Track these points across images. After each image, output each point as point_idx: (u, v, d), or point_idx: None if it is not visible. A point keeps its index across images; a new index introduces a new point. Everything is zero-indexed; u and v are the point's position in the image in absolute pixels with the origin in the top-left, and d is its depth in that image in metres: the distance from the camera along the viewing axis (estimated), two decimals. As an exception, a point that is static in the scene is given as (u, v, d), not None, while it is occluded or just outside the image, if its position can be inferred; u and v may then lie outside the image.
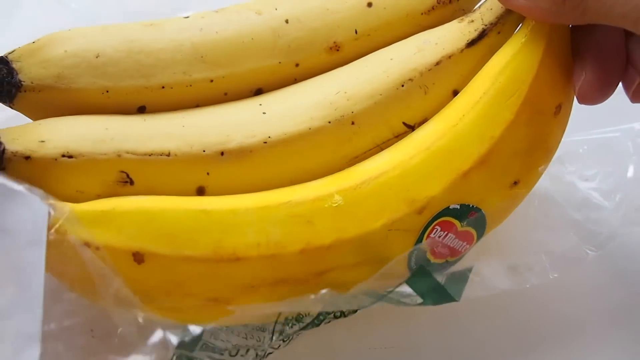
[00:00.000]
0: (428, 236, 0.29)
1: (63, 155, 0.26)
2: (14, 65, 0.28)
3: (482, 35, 0.30)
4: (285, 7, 0.32)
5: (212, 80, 0.30)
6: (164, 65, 0.30)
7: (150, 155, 0.28)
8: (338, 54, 0.32)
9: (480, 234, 0.30)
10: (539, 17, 0.28)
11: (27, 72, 0.28)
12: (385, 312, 0.32)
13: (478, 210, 0.29)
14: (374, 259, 0.29)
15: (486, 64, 0.30)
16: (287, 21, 0.31)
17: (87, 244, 0.25)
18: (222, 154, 0.29)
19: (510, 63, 0.29)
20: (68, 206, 0.25)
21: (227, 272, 0.26)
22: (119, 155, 0.27)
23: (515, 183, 0.30)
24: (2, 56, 0.28)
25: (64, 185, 0.26)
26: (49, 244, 0.24)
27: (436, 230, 0.29)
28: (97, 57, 0.29)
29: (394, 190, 0.29)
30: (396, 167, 0.29)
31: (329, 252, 0.28)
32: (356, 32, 0.32)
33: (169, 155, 0.28)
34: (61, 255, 0.24)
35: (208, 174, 0.29)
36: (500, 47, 0.30)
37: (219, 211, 0.27)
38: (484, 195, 0.29)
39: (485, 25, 0.30)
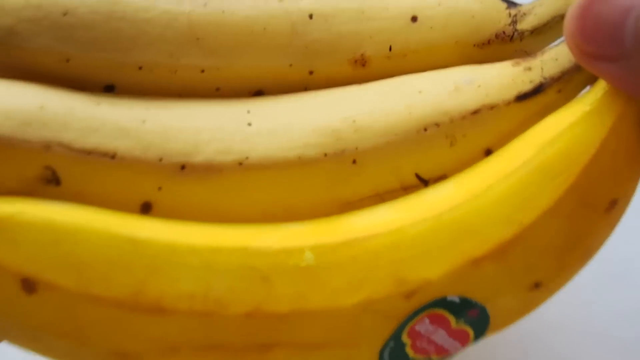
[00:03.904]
0: (412, 327, 0.23)
1: None
2: None
3: (537, 89, 0.24)
4: None
5: (203, 71, 0.25)
6: (148, 40, 0.24)
7: (88, 154, 0.22)
8: (363, 70, 0.26)
9: (478, 335, 0.24)
10: (631, 90, 0.21)
11: None
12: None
13: (482, 308, 0.23)
14: (338, 343, 0.23)
15: (534, 126, 0.24)
16: (311, 16, 0.25)
17: None
18: (182, 167, 0.23)
19: (565, 133, 0.22)
20: None
21: (144, 324, 0.21)
22: (48, 147, 0.21)
23: (537, 285, 0.23)
24: None
25: (-35, 170, 0.21)
26: None
27: (424, 323, 0.23)
28: (64, 15, 0.23)
29: (382, 261, 0.22)
30: (392, 232, 0.23)
31: (282, 323, 0.22)
32: (390, 48, 0.26)
33: (113, 157, 0.22)
34: None
35: (160, 188, 0.23)
36: (556, 109, 0.24)
37: (153, 243, 0.21)
38: (493, 292, 0.23)
39: (544, 79, 0.24)
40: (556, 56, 0.24)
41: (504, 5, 0.26)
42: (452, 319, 0.23)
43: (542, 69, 0.24)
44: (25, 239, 0.19)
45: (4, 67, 0.23)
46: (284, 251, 0.22)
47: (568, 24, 0.21)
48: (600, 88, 0.23)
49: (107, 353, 0.21)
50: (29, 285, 0.19)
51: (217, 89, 0.26)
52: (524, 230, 0.22)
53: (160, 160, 0.23)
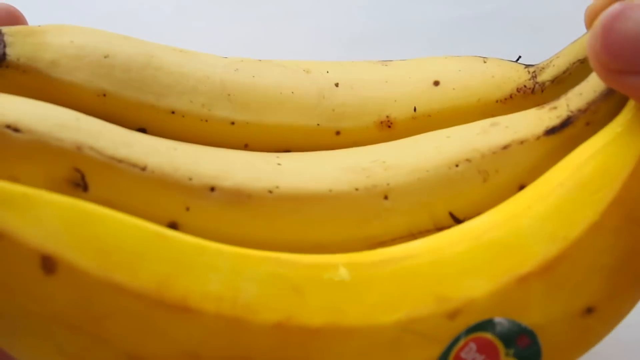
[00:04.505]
0: (457, 354, 0.21)
1: (8, 127, 0.20)
2: (4, 38, 0.24)
3: (565, 123, 0.24)
4: (337, 72, 0.28)
5: (233, 123, 0.25)
6: (182, 89, 0.25)
7: (120, 162, 0.21)
8: (389, 131, 0.27)
9: (530, 375, 0.22)
10: None
11: (17, 48, 0.24)
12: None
13: (532, 335, 0.21)
14: (376, 367, 0.20)
15: (566, 157, 0.23)
16: (337, 85, 0.27)
17: None
18: (212, 189, 0.22)
19: (599, 153, 0.22)
20: None
21: (167, 323, 0.19)
22: (79, 148, 0.21)
23: (589, 310, 0.21)
24: None
25: (-4, 162, 0.20)
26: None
27: (470, 349, 0.21)
28: (105, 57, 0.24)
29: (422, 279, 0.21)
30: (430, 252, 0.22)
31: (314, 339, 0.20)
32: (415, 109, 0.26)
33: (144, 169, 0.22)
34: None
35: (188, 209, 0.22)
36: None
37: (181, 242, 0.20)
38: (543, 315, 0.21)
39: (572, 112, 0.24)
40: (580, 91, 0.24)
41: (522, 65, 0.27)
42: (501, 348, 0.21)
43: (567, 105, 0.24)
44: (49, 216, 0.18)
45: (45, 98, 0.23)
46: (316, 265, 0.21)
47: (592, 42, 0.22)
48: (629, 110, 0.23)
49: (124, 356, 0.19)
50: (48, 264, 0.18)
51: (246, 145, 0.26)
52: (570, 246, 0.21)
53: (190, 179, 0.22)
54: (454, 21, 0.46)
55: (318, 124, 0.26)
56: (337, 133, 0.27)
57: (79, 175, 0.21)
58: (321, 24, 0.42)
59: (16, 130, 0.20)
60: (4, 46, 0.23)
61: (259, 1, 0.47)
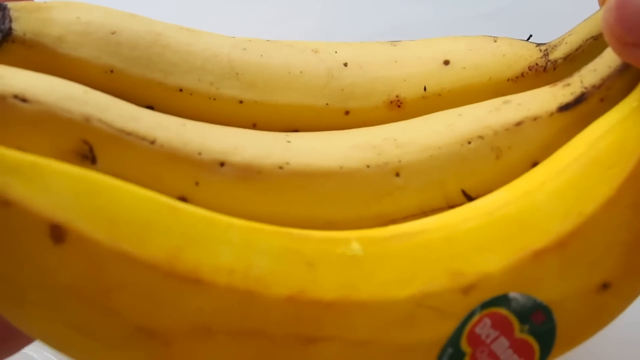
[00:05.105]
0: (472, 330, 0.20)
1: (15, 97, 0.20)
2: (10, 13, 0.23)
3: (579, 99, 0.24)
4: (346, 52, 0.27)
5: (241, 102, 0.25)
6: (189, 68, 0.25)
7: (128, 135, 0.21)
8: (399, 110, 0.26)
9: (544, 353, 0.21)
10: None
11: (22, 23, 0.23)
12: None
13: (547, 311, 0.21)
14: (390, 342, 0.20)
15: (580, 133, 0.23)
16: (346, 64, 0.26)
17: None
18: (222, 164, 0.22)
19: (615, 128, 0.22)
20: None
21: (178, 294, 0.18)
22: (87, 120, 0.21)
23: (605, 286, 0.21)
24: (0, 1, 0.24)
25: (3, 132, 0.20)
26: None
27: (484, 324, 0.20)
28: (112, 34, 0.24)
29: (435, 255, 0.21)
30: (443, 227, 0.21)
31: (327, 313, 0.19)
32: (425, 89, 0.26)
33: (153, 142, 0.21)
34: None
35: (197, 184, 0.22)
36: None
37: (192, 214, 0.19)
38: (558, 291, 0.21)
39: (586, 88, 0.24)
40: (594, 67, 0.24)
41: (533, 44, 0.27)
42: (515, 324, 0.21)
43: (581, 81, 0.24)
44: (58, 185, 0.18)
45: (52, 73, 0.23)
46: (329, 240, 0.21)
47: (606, 16, 0.21)
48: (644, 85, 0.23)
49: (133, 328, 0.18)
50: (58, 233, 0.18)
51: (254, 125, 0.26)
52: (585, 221, 0.21)
53: (200, 154, 0.22)
54: (454, 21, 0.46)
55: (327, 104, 0.26)
56: (346, 113, 0.26)
57: (87, 148, 0.21)
58: (321, 25, 0.42)
59: (24, 100, 0.20)
60: (10, 21, 0.23)
61: (258, 2, 0.47)
